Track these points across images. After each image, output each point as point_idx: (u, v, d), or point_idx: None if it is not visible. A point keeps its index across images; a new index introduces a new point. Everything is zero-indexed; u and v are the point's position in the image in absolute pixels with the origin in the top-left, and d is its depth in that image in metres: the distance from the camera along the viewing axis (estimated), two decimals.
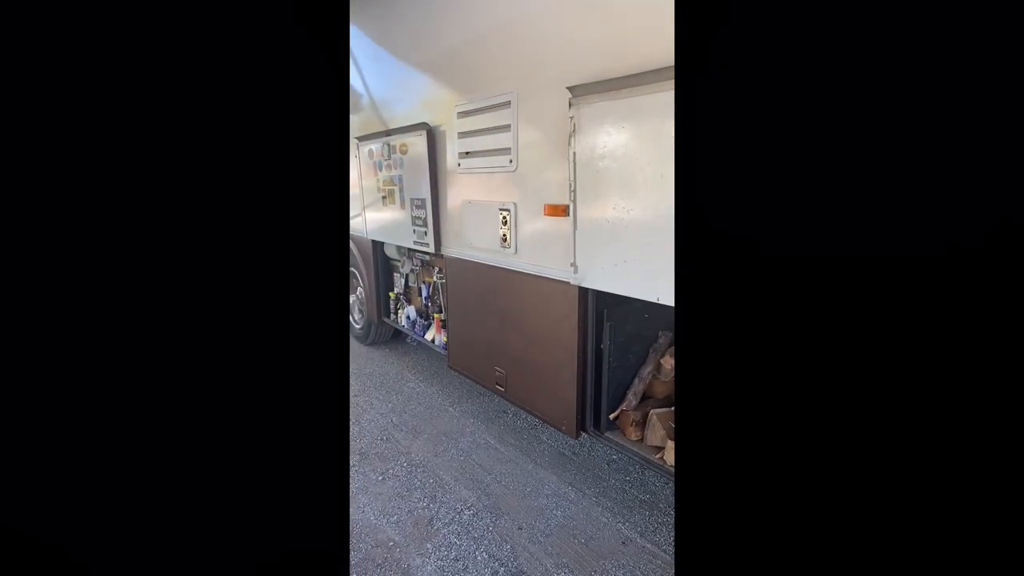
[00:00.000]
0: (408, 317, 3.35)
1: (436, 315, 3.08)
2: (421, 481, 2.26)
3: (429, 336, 3.13)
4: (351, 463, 2.39)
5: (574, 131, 1.74)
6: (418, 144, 2.65)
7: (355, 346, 4.08)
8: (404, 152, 2.81)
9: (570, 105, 1.73)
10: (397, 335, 3.89)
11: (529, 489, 2.19)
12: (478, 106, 2.24)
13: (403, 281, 3.42)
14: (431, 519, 2.01)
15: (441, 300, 2.97)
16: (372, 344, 4.01)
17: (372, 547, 1.85)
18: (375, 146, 3.13)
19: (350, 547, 1.86)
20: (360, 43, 3.25)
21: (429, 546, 1.86)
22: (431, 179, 2.62)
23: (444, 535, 1.91)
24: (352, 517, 2.01)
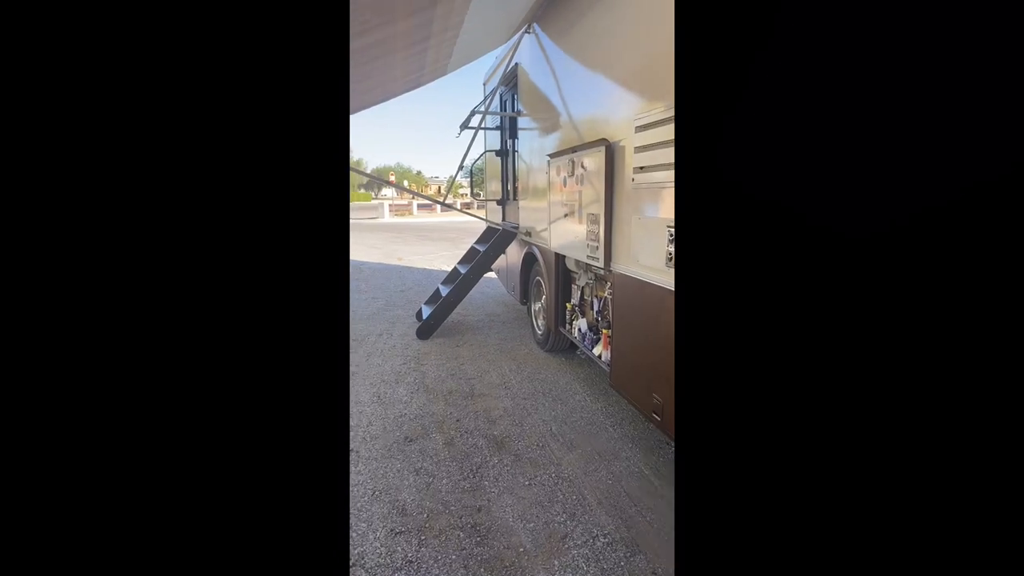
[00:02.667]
0: (580, 329, 3.38)
1: (604, 330, 3.04)
2: (564, 496, 2.26)
3: (596, 351, 3.11)
4: (506, 461, 2.52)
5: None
6: (597, 160, 2.66)
7: (534, 351, 4.28)
8: (585, 168, 2.86)
9: None
10: (572, 346, 3.95)
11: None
12: (655, 119, 2.14)
13: (579, 294, 3.46)
14: (565, 536, 1.99)
15: (609, 316, 2.92)
16: (550, 351, 4.16)
17: (503, 548, 1.93)
18: (563, 163, 3.25)
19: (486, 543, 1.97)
20: (559, 59, 3.42)
21: (556, 563, 1.85)
22: (606, 194, 2.60)
23: (573, 557, 1.88)
24: (492, 514, 2.13)
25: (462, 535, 2.00)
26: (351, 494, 2.27)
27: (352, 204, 40.48)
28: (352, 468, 2.49)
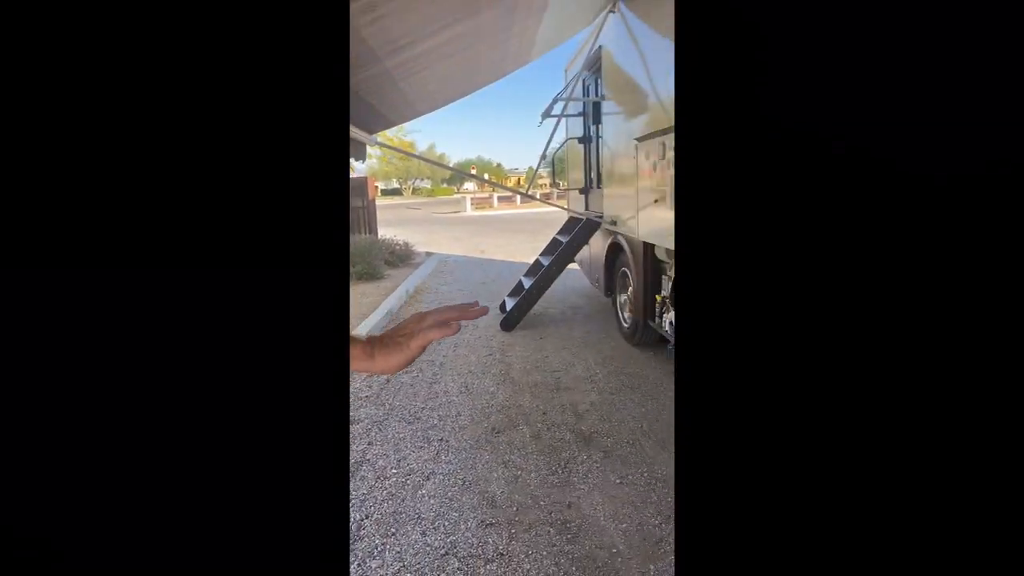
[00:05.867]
0: (671, 322, 3.21)
1: None
2: (659, 496, 2.15)
3: None
4: (595, 458, 2.45)
5: None
6: None
7: (621, 344, 4.15)
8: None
9: None
10: (662, 340, 3.77)
11: None
12: None
13: (670, 285, 3.28)
14: (660, 540, 1.90)
15: None
16: (638, 345, 4.00)
17: (595, 548, 1.87)
18: (652, 146, 3.08)
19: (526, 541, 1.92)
20: (646, 37, 3.24)
21: (652, 568, 1.76)
22: None
23: (670, 562, 1.78)
24: (582, 512, 2.07)
25: (552, 531, 1.97)
26: (441, 483, 2.31)
27: (436, 199, 41.94)
28: (442, 457, 2.54)
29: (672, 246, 2.88)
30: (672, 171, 2.77)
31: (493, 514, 2.08)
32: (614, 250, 4.33)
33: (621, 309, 4.41)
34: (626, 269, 4.09)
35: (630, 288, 4.03)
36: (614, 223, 4.17)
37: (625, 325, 4.26)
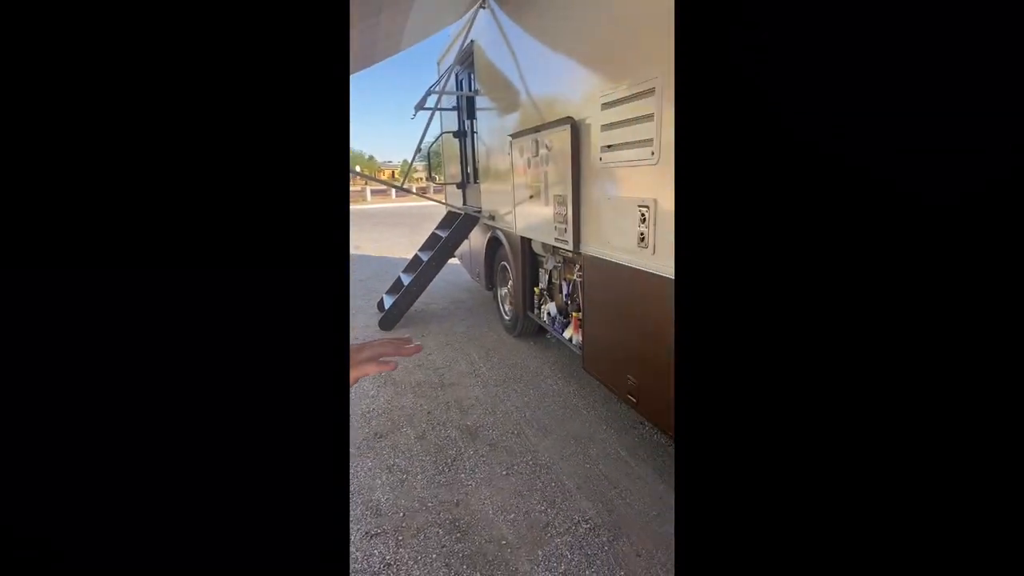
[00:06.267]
0: (549, 313, 3.34)
1: (574, 313, 3.00)
2: (543, 483, 2.22)
3: (567, 334, 3.08)
4: (482, 451, 2.47)
5: None
6: (562, 139, 2.59)
7: (503, 337, 4.23)
8: (550, 148, 2.78)
9: None
10: (541, 330, 3.92)
11: (655, 513, 2.00)
12: (622, 95, 2.08)
13: (547, 277, 3.41)
14: (546, 524, 1.96)
15: (579, 298, 2.89)
16: (519, 336, 4.11)
17: (485, 542, 1.88)
18: (526, 143, 3.16)
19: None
20: (518, 38, 3.30)
21: (540, 553, 1.81)
22: (573, 175, 2.54)
23: (556, 545, 1.85)
24: (471, 508, 2.07)
25: (441, 532, 1.94)
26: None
27: None
28: None
29: (548, 240, 2.99)
30: (546, 168, 2.86)
31: (378, 523, 1.99)
32: (493, 245, 4.39)
33: (502, 302, 4.49)
34: (505, 263, 4.17)
35: (510, 281, 4.12)
36: (492, 218, 4.22)
37: (506, 318, 4.35)
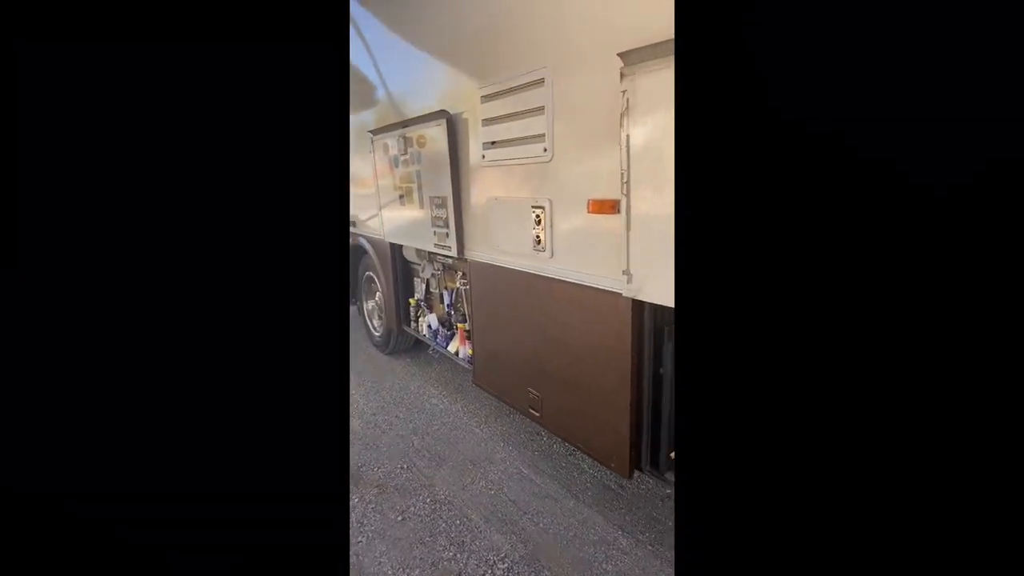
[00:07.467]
0: (430, 326, 3.06)
1: (460, 325, 2.78)
2: (447, 523, 1.96)
3: (452, 348, 2.84)
4: (368, 497, 2.11)
5: (627, 109, 1.40)
6: (437, 135, 2.34)
7: (375, 356, 3.82)
8: (422, 145, 2.51)
9: (622, 77, 1.40)
10: (419, 344, 3.61)
11: (572, 534, 1.87)
12: (505, 87, 1.91)
13: (424, 287, 3.13)
14: (459, 573, 1.71)
15: (465, 308, 2.67)
16: (392, 353, 3.74)
17: None
18: (391, 140, 2.84)
19: None
20: (373, 31, 2.96)
21: None
22: (452, 174, 2.30)
23: None
24: (365, 571, 1.73)
25: None
26: None
27: None
28: None
29: (426, 246, 2.71)
30: (418, 166, 2.58)
31: None
32: (356, 253, 3.94)
33: (370, 317, 4.06)
34: (371, 273, 3.77)
35: (378, 293, 3.73)
36: (353, 224, 3.79)
37: (376, 334, 3.94)
